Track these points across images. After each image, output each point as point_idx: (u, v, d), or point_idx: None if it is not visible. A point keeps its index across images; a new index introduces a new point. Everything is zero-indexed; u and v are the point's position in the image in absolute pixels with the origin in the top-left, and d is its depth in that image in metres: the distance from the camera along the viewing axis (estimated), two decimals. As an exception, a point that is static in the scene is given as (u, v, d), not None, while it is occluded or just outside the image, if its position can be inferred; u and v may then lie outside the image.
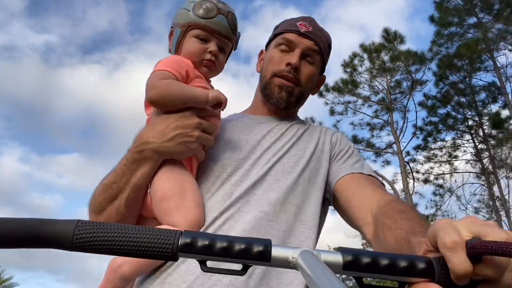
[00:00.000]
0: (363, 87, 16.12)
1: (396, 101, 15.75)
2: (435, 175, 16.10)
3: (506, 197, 14.07)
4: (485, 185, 14.97)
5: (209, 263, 0.47)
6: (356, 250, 0.47)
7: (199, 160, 0.99)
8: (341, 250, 0.47)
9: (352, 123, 16.36)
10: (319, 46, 1.15)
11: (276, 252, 0.46)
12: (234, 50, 1.14)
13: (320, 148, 1.13)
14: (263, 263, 0.46)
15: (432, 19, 15.14)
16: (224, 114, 1.10)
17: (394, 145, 15.35)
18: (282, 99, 1.14)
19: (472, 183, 15.46)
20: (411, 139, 16.66)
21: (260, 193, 0.96)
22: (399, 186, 14.72)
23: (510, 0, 13.30)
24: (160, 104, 0.95)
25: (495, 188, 14.55)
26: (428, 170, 16.26)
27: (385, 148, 15.99)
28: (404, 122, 15.33)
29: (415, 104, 15.71)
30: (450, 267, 0.43)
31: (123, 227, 0.46)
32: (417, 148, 16.45)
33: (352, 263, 0.45)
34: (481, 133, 15.50)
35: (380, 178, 1.09)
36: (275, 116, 1.20)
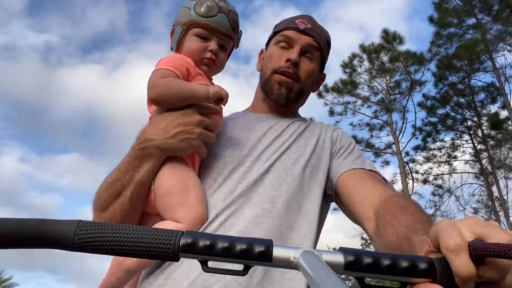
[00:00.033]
0: (363, 88, 16.16)
1: (396, 101, 15.77)
2: (434, 175, 16.14)
3: (505, 197, 14.11)
4: (484, 185, 14.99)
5: (210, 263, 0.47)
6: (358, 250, 0.47)
7: (201, 157, 1.00)
8: (343, 250, 0.47)
9: (351, 124, 16.42)
10: (318, 43, 1.16)
11: (277, 252, 0.46)
12: (236, 48, 1.14)
13: (321, 145, 1.13)
14: (264, 263, 0.46)
15: (431, 19, 15.18)
16: (225, 112, 1.11)
17: (394, 146, 15.38)
18: (282, 95, 1.14)
19: (471, 183, 15.50)
20: (410, 140, 16.74)
21: (261, 190, 0.96)
22: (398, 186, 14.72)
23: (509, 1, 13.32)
24: (161, 102, 0.96)
25: (494, 188, 14.58)
26: (427, 170, 16.30)
27: (384, 149, 16.01)
28: (403, 123, 15.38)
29: (414, 104, 15.79)
30: (454, 269, 0.43)
31: (124, 227, 0.46)
32: (416, 148, 16.49)
33: (354, 263, 0.45)
34: (480, 134, 15.52)
35: (382, 173, 1.10)
36: (275, 113, 1.21)
